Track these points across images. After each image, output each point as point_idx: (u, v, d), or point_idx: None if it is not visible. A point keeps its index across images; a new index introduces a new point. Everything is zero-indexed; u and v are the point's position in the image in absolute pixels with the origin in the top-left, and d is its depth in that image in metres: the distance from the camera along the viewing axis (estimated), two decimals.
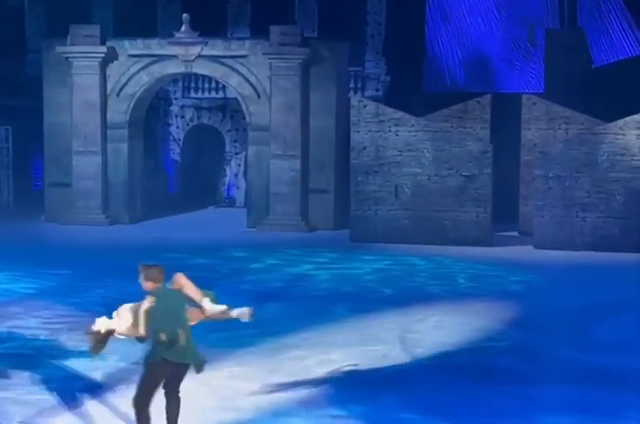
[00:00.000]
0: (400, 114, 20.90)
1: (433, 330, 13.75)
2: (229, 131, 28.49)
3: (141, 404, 8.64)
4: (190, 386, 9.25)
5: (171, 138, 28.83)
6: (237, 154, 28.27)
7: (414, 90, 24.83)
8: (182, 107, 28.52)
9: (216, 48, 22.96)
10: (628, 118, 19.84)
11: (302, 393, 10.64)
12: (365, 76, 26.41)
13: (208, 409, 10.04)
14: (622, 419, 10.20)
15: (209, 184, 28.24)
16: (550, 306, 15.57)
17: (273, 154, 22.61)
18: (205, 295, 8.94)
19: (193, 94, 28.06)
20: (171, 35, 23.48)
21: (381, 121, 20.79)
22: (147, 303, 8.80)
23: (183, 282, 8.79)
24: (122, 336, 9.08)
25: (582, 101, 21.06)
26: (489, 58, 24.78)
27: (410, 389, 10.94)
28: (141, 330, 8.87)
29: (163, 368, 8.69)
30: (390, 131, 20.77)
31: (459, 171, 20.48)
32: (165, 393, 8.86)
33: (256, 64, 22.78)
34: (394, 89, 25.68)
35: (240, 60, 22.86)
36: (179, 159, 28.86)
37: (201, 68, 23.35)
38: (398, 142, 20.75)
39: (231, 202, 27.86)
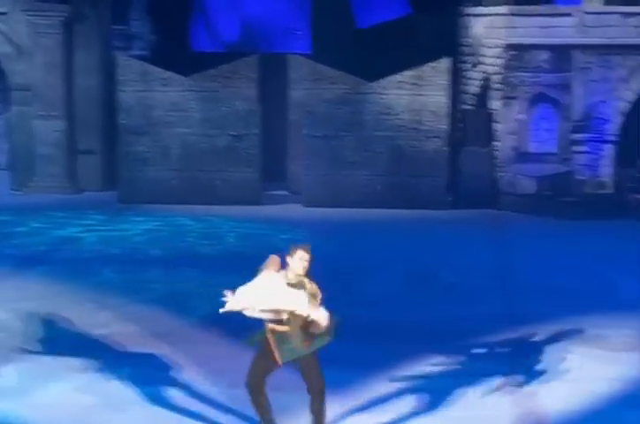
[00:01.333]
0: (167, 73, 20.68)
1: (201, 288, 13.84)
2: None
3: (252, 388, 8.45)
4: None
5: None
6: None
7: (181, 49, 24.58)
8: None
9: None
10: (391, 78, 20.31)
11: None
12: (131, 35, 25.92)
13: None
14: (395, 369, 10.54)
15: None
16: (317, 262, 15.84)
17: (36, 114, 21.95)
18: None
19: None
20: None
21: (148, 80, 20.51)
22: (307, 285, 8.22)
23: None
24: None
25: (347, 61, 21.35)
26: (257, 18, 24.78)
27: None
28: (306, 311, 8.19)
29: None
30: (157, 90, 20.53)
31: (227, 131, 20.47)
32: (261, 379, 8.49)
33: (17, 22, 21.99)
34: (162, 49, 25.31)
35: (0, 17, 22.02)
36: None
37: None
38: (166, 102, 20.54)
39: None
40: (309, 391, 8.44)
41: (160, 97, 20.53)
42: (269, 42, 24.43)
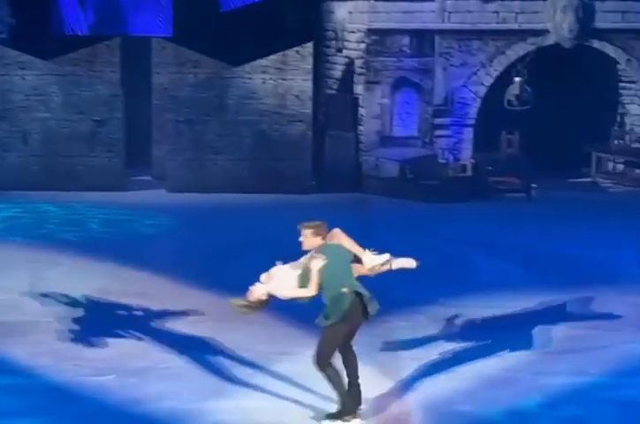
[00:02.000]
0: (25, 57, 20.25)
1: (65, 276, 13.65)
2: None
3: (325, 364, 8.54)
4: None
5: None
6: None
7: (43, 33, 24.07)
8: None
9: None
10: (254, 62, 20.29)
11: None
12: None
13: None
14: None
15: None
16: (182, 247, 15.83)
17: None
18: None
19: None
20: None
21: (6, 64, 20.07)
22: (318, 261, 8.49)
23: (341, 236, 8.67)
24: (285, 298, 8.74)
25: (211, 45, 21.24)
26: (117, 1, 24.40)
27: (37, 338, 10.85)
28: (313, 291, 8.54)
29: (343, 327, 8.56)
30: (16, 74, 20.10)
31: (89, 116, 20.17)
32: (341, 350, 8.70)
33: None
34: (21, 32, 24.71)
35: None
36: None
37: None
38: (25, 86, 20.12)
39: None
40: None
41: (19, 81, 20.10)
42: (131, 26, 24.09)
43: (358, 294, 8.62)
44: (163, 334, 11.18)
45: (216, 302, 12.24)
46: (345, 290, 8.54)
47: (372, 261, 8.83)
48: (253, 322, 10.87)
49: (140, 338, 10.96)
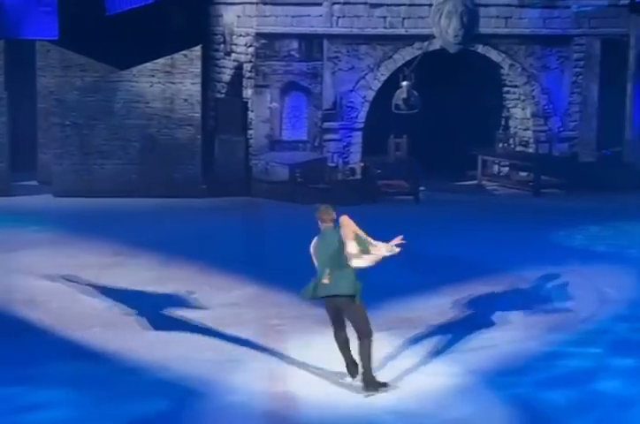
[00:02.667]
0: None
1: None
2: None
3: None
4: None
5: None
6: None
7: None
8: None
9: None
10: (141, 66, 20.12)
11: None
12: None
13: None
14: None
15: None
16: (69, 253, 15.59)
17: None
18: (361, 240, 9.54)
19: None
20: None
21: None
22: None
23: (345, 222, 9.53)
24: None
25: (97, 48, 20.98)
26: (1, 4, 23.98)
27: None
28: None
29: (328, 304, 9.71)
30: None
31: None
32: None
33: None
34: None
35: None
36: None
37: None
38: None
39: None
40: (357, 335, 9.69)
41: None
42: (15, 29, 23.71)
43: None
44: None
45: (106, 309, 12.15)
46: (326, 275, 9.54)
47: (351, 252, 9.53)
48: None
49: None
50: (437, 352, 10.96)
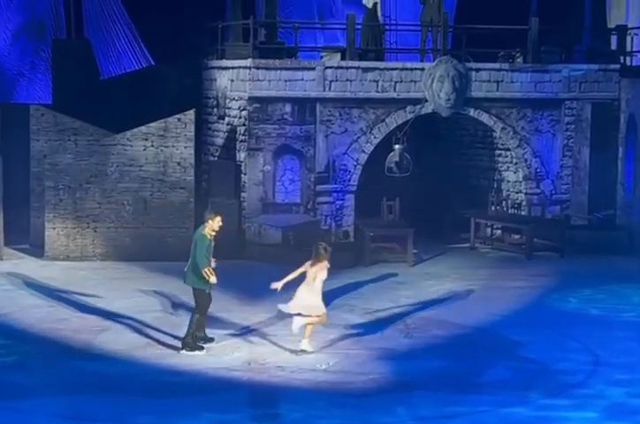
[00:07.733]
0: None
1: None
2: None
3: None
4: None
5: None
6: None
7: None
8: None
9: None
10: (135, 130, 20.20)
11: None
12: None
13: None
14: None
15: None
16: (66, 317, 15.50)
17: None
18: None
19: None
20: None
21: None
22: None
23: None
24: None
25: (91, 112, 21.04)
26: None
27: None
28: None
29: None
30: None
31: None
32: None
33: None
34: None
35: None
36: None
37: None
38: None
39: None
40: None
41: None
42: (9, 93, 23.88)
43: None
44: None
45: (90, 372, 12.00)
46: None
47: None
48: None
49: None
50: (427, 417, 10.85)
